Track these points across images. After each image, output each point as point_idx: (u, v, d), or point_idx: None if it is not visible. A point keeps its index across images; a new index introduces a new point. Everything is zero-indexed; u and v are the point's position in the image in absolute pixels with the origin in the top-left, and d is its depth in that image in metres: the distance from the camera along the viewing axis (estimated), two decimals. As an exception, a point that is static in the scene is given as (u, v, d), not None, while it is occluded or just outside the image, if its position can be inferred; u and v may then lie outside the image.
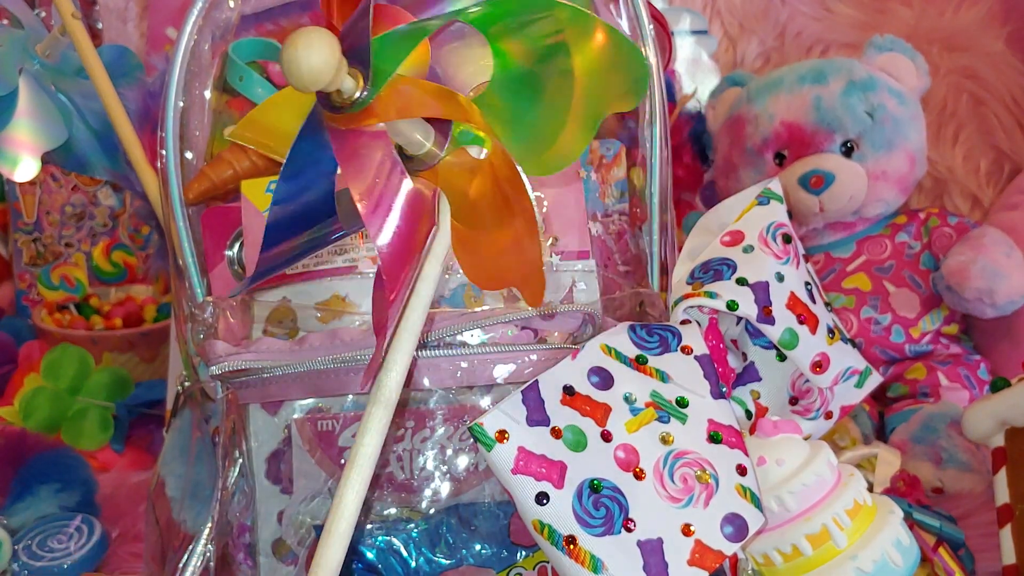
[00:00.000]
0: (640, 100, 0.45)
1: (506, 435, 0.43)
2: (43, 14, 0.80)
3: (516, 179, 0.43)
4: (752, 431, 0.51)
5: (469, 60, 0.44)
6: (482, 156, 0.44)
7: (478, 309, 0.55)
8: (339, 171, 0.41)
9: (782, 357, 0.52)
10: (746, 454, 0.47)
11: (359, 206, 0.40)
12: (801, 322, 0.51)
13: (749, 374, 0.53)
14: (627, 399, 0.46)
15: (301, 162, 0.42)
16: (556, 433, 0.44)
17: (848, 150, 0.93)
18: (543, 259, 0.44)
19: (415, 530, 0.53)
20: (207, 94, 0.63)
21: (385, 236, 0.40)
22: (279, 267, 0.44)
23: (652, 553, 0.43)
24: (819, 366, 0.51)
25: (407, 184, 0.41)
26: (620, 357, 0.47)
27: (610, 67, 0.43)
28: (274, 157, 0.46)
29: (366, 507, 0.55)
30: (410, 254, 0.41)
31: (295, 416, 0.56)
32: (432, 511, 0.54)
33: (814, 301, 0.53)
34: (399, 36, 0.41)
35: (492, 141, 0.44)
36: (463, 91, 0.43)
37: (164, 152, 0.61)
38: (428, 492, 0.54)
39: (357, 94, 0.40)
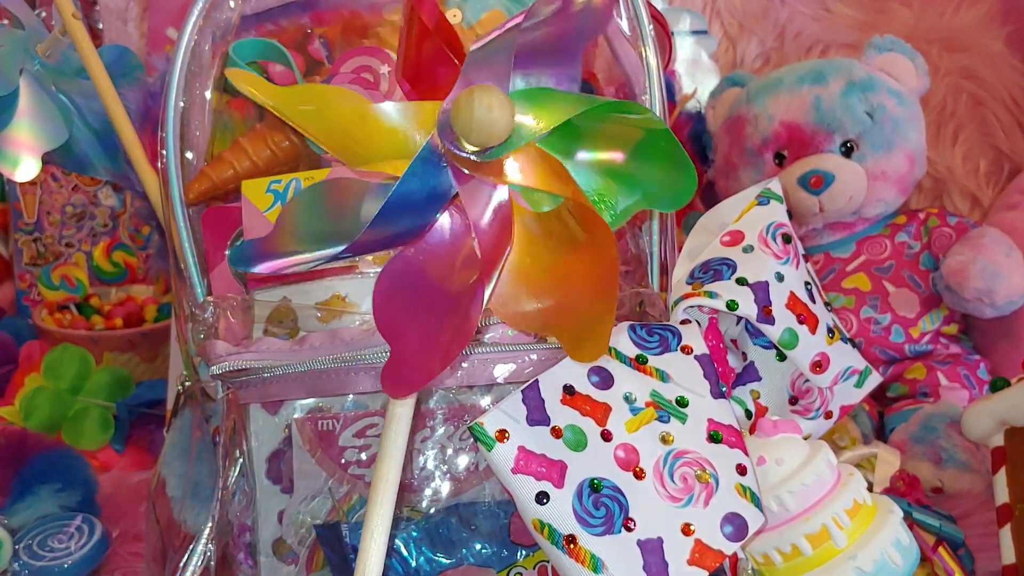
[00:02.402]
0: (677, 208, 0.47)
1: (506, 434, 0.43)
2: (44, 14, 0.80)
3: (607, 235, 0.44)
4: (752, 431, 0.51)
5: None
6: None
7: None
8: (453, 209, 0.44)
9: (782, 357, 0.52)
10: (746, 454, 0.47)
11: (477, 235, 0.43)
12: (801, 322, 0.51)
13: (749, 374, 0.53)
14: (627, 399, 0.46)
15: (416, 184, 0.43)
16: (556, 433, 0.44)
17: (848, 150, 0.93)
18: (613, 314, 0.44)
19: (415, 530, 0.53)
20: (208, 94, 0.63)
21: (486, 254, 0.43)
22: (367, 250, 0.44)
23: (652, 552, 0.43)
24: (819, 366, 0.51)
25: (506, 209, 0.43)
26: (620, 357, 0.47)
27: (663, 172, 0.45)
28: (313, 142, 0.48)
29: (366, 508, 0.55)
30: (497, 260, 0.43)
31: (295, 416, 0.56)
32: (432, 511, 0.54)
33: (814, 301, 0.53)
34: (548, 100, 0.43)
35: (585, 201, 0.45)
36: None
37: (164, 152, 0.61)
38: (428, 492, 0.54)
39: (485, 149, 0.42)
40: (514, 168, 0.43)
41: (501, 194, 0.43)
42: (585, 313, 0.44)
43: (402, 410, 0.46)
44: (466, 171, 0.43)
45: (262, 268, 0.44)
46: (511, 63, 0.43)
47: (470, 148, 0.42)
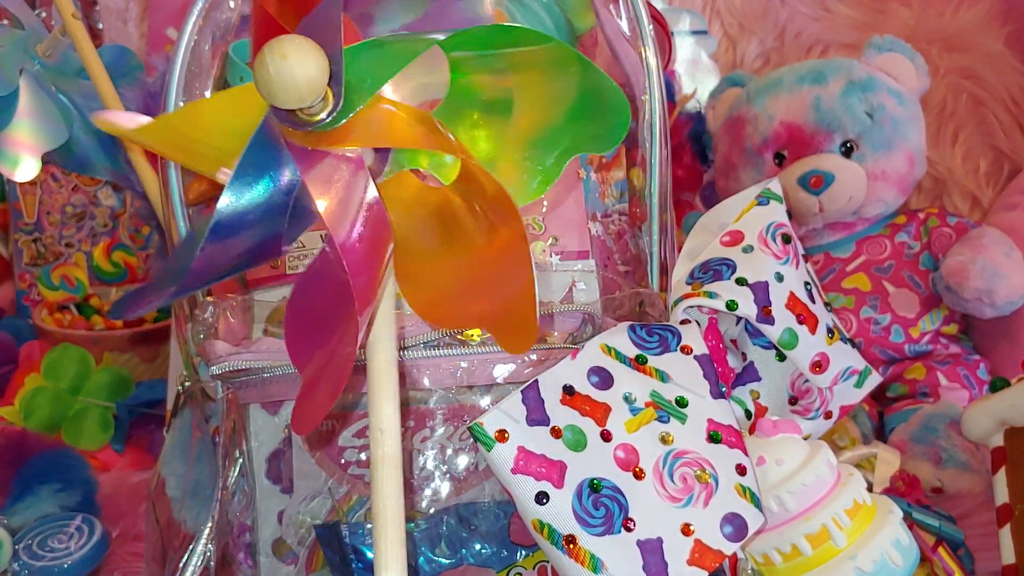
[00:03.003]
0: (615, 146, 0.41)
1: (506, 435, 0.43)
2: (44, 14, 0.80)
3: (504, 201, 0.38)
4: (752, 431, 0.51)
5: (428, 78, 0.40)
6: (440, 183, 0.41)
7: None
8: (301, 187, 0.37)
9: (781, 357, 0.52)
10: (746, 454, 0.47)
11: (329, 227, 0.36)
12: (800, 322, 0.51)
13: (749, 374, 0.53)
14: (627, 399, 0.46)
15: (253, 175, 0.37)
16: (556, 433, 0.44)
17: (848, 150, 0.93)
18: (534, 292, 0.37)
19: (415, 530, 0.53)
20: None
21: (353, 255, 0.37)
22: (214, 278, 0.39)
23: (652, 553, 0.43)
24: (818, 366, 0.51)
25: (375, 197, 0.38)
26: (620, 357, 0.47)
27: (589, 108, 0.39)
28: (186, 165, 0.43)
29: (366, 508, 0.55)
30: (377, 268, 0.38)
31: (295, 416, 0.56)
32: (432, 511, 0.54)
33: (813, 301, 0.53)
34: (384, 51, 0.38)
35: (472, 164, 0.39)
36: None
37: (164, 152, 0.61)
38: (428, 492, 0.54)
39: (324, 114, 0.36)
40: (360, 130, 0.37)
41: (359, 173, 0.37)
42: (500, 295, 0.39)
43: (387, 451, 0.40)
44: (306, 146, 0.37)
45: (131, 314, 0.39)
46: (339, 13, 0.36)
47: (304, 118, 0.36)
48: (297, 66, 0.34)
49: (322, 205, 0.37)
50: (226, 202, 0.35)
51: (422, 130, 0.38)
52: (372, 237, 0.37)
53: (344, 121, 0.37)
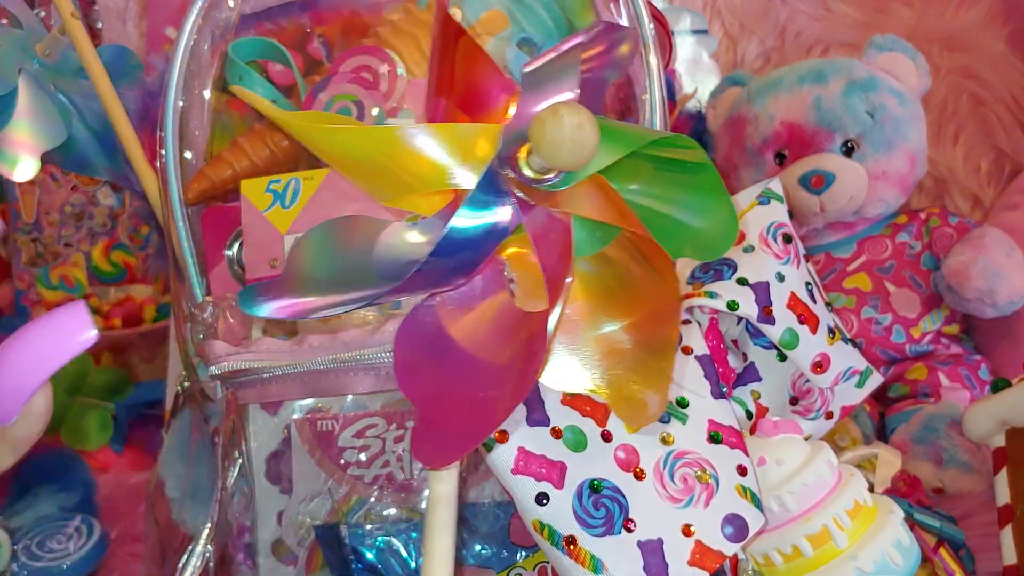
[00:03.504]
0: (715, 258, 0.45)
1: (506, 435, 0.43)
2: (43, 14, 0.80)
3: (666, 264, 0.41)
4: (752, 431, 0.51)
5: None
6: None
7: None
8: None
9: (782, 357, 0.52)
10: (746, 454, 0.47)
11: (545, 274, 0.39)
12: (802, 322, 0.51)
13: (749, 374, 0.53)
14: (627, 399, 0.46)
15: (480, 208, 0.39)
16: (556, 433, 0.44)
17: (848, 150, 0.93)
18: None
19: (415, 531, 0.53)
20: (207, 94, 0.63)
21: (553, 298, 0.39)
22: (417, 291, 0.41)
23: (652, 553, 0.43)
24: (819, 366, 0.51)
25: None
26: (620, 357, 0.47)
27: (703, 215, 0.42)
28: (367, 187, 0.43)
29: (366, 508, 0.55)
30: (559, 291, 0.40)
31: (295, 416, 0.56)
32: (432, 511, 0.54)
33: (815, 301, 0.52)
34: (612, 135, 0.40)
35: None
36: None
37: (164, 152, 0.61)
38: (428, 492, 0.54)
39: (554, 176, 0.39)
40: (577, 198, 0.40)
41: (566, 226, 0.40)
42: (637, 367, 0.41)
43: (444, 488, 0.41)
44: (530, 200, 0.40)
45: (275, 310, 0.40)
46: (578, 84, 0.40)
47: (531, 175, 0.39)
48: (589, 137, 0.37)
49: (541, 255, 0.39)
50: (459, 223, 0.38)
51: (618, 211, 0.40)
52: (559, 266, 0.39)
53: (567, 187, 0.40)
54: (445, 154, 0.40)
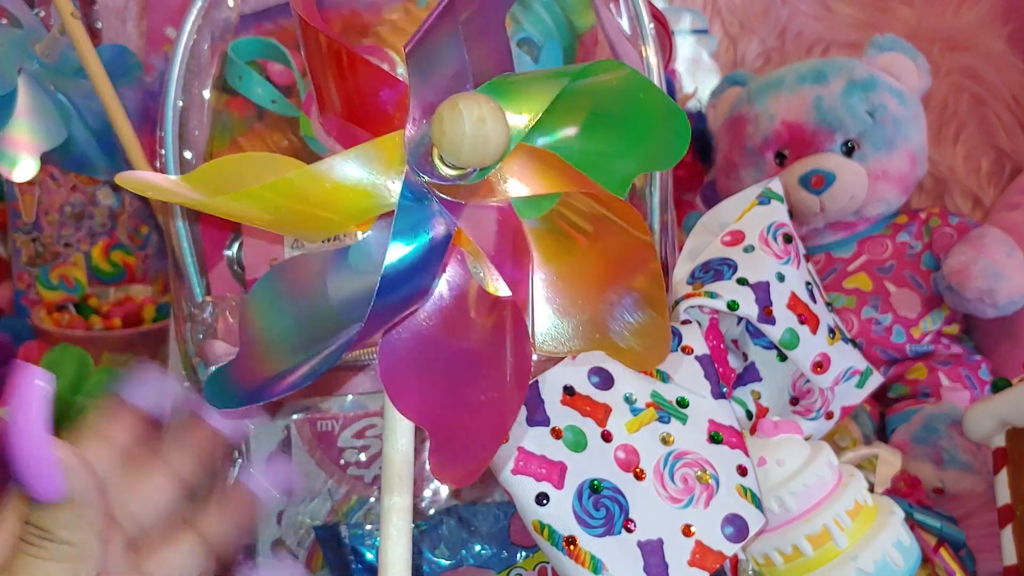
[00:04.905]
0: (677, 160, 0.42)
1: (506, 435, 0.43)
2: (42, 14, 0.80)
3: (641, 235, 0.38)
4: (753, 431, 0.51)
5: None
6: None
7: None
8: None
9: (783, 357, 0.52)
10: (747, 454, 0.46)
11: (500, 271, 0.36)
12: (802, 322, 0.51)
13: (750, 374, 0.53)
14: (627, 399, 0.46)
15: (409, 234, 0.35)
16: (556, 433, 0.44)
17: (849, 150, 0.93)
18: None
19: (415, 531, 0.53)
20: (206, 94, 0.63)
21: (516, 287, 0.37)
22: (373, 334, 0.36)
23: (652, 553, 0.42)
24: (820, 366, 0.51)
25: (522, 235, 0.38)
26: (620, 357, 0.47)
27: (650, 128, 0.40)
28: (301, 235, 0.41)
29: (366, 508, 0.55)
30: (527, 286, 0.38)
31: (295, 417, 0.56)
32: (432, 511, 0.54)
33: (815, 301, 0.52)
34: (522, 92, 0.37)
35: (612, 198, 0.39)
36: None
37: (163, 152, 0.61)
38: (428, 492, 0.54)
39: (472, 169, 0.36)
40: (510, 179, 0.37)
41: (504, 211, 0.37)
42: (628, 313, 0.39)
43: (399, 500, 0.38)
44: (458, 200, 0.36)
45: (252, 402, 0.36)
46: (466, 57, 0.36)
47: (452, 172, 0.35)
48: (493, 132, 0.34)
49: (488, 252, 0.36)
50: (391, 260, 0.35)
51: (560, 174, 0.38)
52: (517, 257, 0.37)
53: (490, 172, 0.36)
54: (365, 177, 0.36)
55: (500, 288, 0.37)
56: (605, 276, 0.39)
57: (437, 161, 0.35)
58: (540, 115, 0.36)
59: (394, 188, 0.36)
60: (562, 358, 0.45)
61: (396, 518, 0.38)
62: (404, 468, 0.38)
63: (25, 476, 0.32)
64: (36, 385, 0.32)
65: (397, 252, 0.35)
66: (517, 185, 0.37)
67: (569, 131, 0.39)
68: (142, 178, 0.36)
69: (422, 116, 0.35)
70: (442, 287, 0.38)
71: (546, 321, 0.40)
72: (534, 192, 0.37)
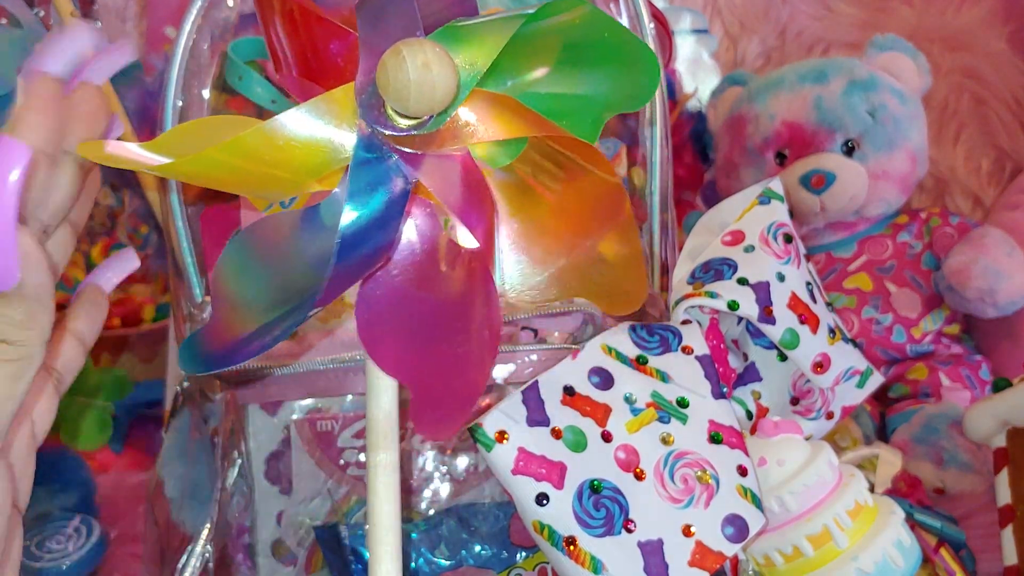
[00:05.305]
0: (647, 102, 0.41)
1: (506, 436, 0.43)
2: (42, 13, 0.80)
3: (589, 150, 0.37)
4: (753, 431, 0.51)
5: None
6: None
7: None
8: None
9: (783, 357, 0.52)
10: (747, 454, 0.46)
11: (464, 223, 0.35)
12: (802, 322, 0.51)
13: (750, 374, 0.53)
14: (628, 399, 0.46)
15: (366, 192, 0.35)
16: (556, 433, 0.44)
17: (849, 150, 0.93)
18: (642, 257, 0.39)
19: (415, 531, 0.53)
20: (206, 93, 0.62)
21: (480, 237, 0.36)
22: (335, 296, 0.36)
23: (652, 554, 0.42)
24: (820, 366, 0.51)
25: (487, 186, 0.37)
26: (620, 357, 0.47)
27: (618, 67, 0.39)
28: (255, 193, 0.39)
29: (366, 508, 0.54)
30: (491, 236, 0.38)
31: (294, 416, 0.56)
32: (432, 512, 0.54)
33: (815, 301, 0.52)
34: (475, 38, 0.35)
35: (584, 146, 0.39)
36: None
37: (163, 151, 0.61)
38: (428, 493, 0.54)
39: (427, 118, 0.35)
40: (468, 126, 0.35)
41: (465, 161, 0.36)
42: (604, 257, 0.39)
43: (385, 456, 0.38)
44: (415, 151, 0.35)
45: (223, 366, 0.36)
46: (415, 4, 0.34)
47: (406, 123, 0.34)
48: (439, 78, 0.33)
49: (450, 203, 0.35)
50: (347, 221, 0.34)
51: (519, 119, 0.37)
52: (479, 207, 0.36)
53: (447, 120, 0.35)
54: (317, 132, 0.35)
55: (465, 239, 0.37)
56: (577, 222, 0.39)
57: (390, 112, 0.34)
58: (494, 59, 0.35)
59: (349, 142, 0.35)
60: (560, 353, 0.46)
61: (383, 474, 0.38)
62: (388, 426, 0.39)
63: None
64: (11, 163, 0.30)
65: (355, 209, 0.34)
66: (476, 132, 0.36)
67: (538, 73, 0.38)
68: (104, 148, 0.35)
69: (372, 67, 0.34)
70: (413, 241, 0.37)
71: (522, 272, 0.39)
72: (493, 138, 0.37)
